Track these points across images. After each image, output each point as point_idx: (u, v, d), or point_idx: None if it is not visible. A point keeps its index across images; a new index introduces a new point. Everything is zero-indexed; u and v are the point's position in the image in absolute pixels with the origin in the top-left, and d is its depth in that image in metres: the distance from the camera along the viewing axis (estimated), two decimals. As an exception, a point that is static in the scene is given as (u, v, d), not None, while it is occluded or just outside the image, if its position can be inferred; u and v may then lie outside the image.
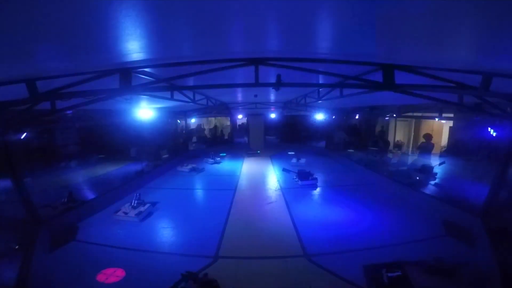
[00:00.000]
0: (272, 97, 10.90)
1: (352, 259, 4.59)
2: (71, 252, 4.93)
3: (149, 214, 6.57)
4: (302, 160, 12.13)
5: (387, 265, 4.09)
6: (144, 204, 6.67)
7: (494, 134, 7.63)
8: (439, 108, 9.28)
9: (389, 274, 3.87)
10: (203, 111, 14.51)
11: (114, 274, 4.23)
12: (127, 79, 3.54)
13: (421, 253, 4.54)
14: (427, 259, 4.13)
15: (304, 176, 8.90)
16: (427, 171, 8.64)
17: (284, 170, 9.63)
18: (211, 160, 13.01)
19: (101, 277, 4.16)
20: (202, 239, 5.38)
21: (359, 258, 4.61)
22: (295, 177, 9.22)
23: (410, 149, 13.90)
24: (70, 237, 5.39)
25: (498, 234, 4.56)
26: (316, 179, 8.99)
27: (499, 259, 3.95)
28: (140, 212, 6.29)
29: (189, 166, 11.52)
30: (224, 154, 14.92)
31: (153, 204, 7.01)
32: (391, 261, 4.23)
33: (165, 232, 5.87)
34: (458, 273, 3.89)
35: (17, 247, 4.65)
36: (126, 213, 6.25)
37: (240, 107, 15.12)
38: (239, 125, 20.85)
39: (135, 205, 6.47)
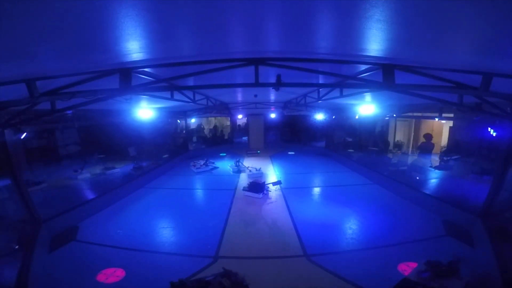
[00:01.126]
0: (272, 97, 10.88)
1: (352, 259, 4.60)
2: (71, 252, 4.93)
3: (212, 168, 11.89)
4: (259, 172, 10.56)
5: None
6: (209, 163, 12.15)
7: (494, 134, 7.63)
8: (439, 108, 9.27)
9: None
10: (203, 111, 14.46)
11: (114, 274, 4.23)
12: (127, 79, 3.53)
13: (420, 253, 4.54)
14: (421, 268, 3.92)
15: (250, 188, 8.24)
16: (486, 172, 8.70)
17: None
18: (235, 168, 11.39)
19: (101, 277, 4.16)
20: (202, 239, 5.38)
21: (359, 258, 4.62)
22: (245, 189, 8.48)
23: (410, 149, 13.90)
24: (70, 237, 5.40)
25: (498, 234, 4.57)
26: (266, 187, 8.29)
27: (499, 259, 3.95)
28: (208, 166, 11.97)
29: (204, 165, 11.88)
30: (224, 154, 14.91)
31: (213, 165, 12.18)
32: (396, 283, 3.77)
33: (165, 232, 5.87)
34: (458, 273, 3.88)
35: (17, 247, 4.66)
36: (201, 166, 11.82)
37: (240, 107, 15.09)
38: (239, 125, 20.82)
39: (206, 163, 12.08)
